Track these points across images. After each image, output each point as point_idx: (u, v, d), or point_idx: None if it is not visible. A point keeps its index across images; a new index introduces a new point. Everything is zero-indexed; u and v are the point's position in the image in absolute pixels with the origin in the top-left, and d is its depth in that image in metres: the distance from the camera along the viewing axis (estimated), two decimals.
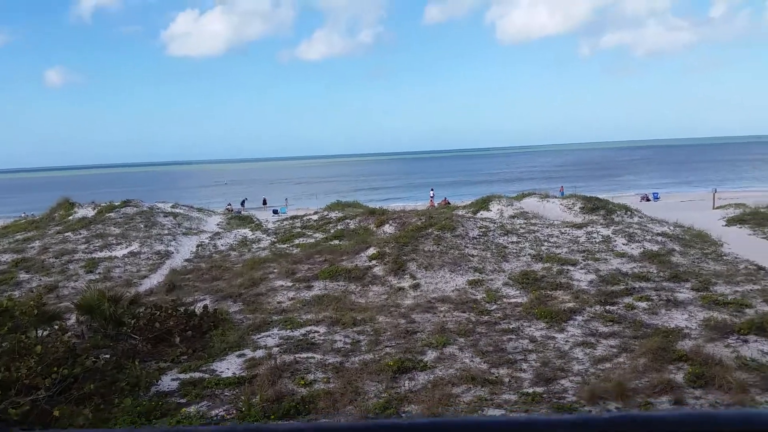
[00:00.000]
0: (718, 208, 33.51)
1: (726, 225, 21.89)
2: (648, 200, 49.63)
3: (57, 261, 18.78)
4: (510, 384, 8.53)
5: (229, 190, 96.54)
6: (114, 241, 20.80)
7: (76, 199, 27.08)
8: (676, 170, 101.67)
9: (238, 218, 28.18)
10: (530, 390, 8.23)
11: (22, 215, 35.82)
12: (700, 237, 18.93)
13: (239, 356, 10.12)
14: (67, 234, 21.90)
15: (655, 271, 14.44)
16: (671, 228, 19.78)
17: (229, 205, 52.15)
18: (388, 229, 20.39)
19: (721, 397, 7.75)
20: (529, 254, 16.11)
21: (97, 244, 20.48)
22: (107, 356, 9.51)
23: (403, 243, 16.50)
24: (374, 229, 21.20)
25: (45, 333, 9.76)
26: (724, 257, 16.13)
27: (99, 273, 17.54)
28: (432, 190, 59.75)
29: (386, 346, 10.28)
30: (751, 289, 12.76)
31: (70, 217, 24.44)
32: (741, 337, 9.86)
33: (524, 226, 19.51)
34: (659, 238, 17.81)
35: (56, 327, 10.25)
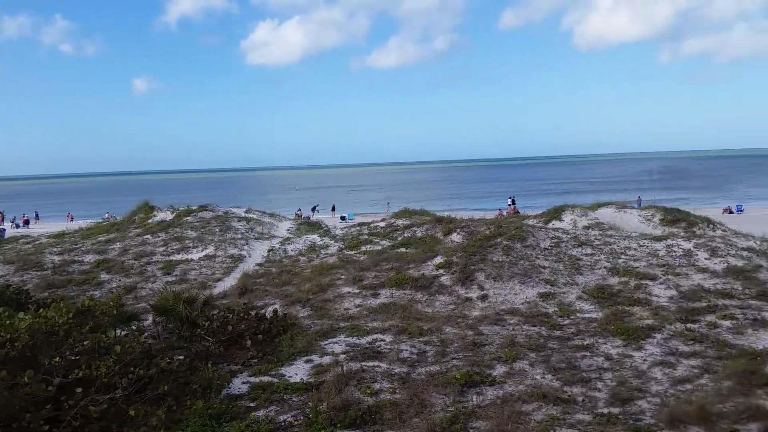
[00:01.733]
0: None
1: None
2: (731, 213, 47.10)
3: (136, 262, 19.66)
4: (584, 403, 8.17)
5: (300, 196, 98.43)
6: (191, 244, 21.59)
7: (155, 203, 28.29)
8: (763, 181, 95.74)
9: (307, 224, 28.65)
10: (605, 410, 7.85)
11: (106, 216, 37.91)
12: None
13: (307, 362, 10.21)
14: (146, 236, 22.91)
15: (740, 288, 13.56)
16: (758, 243, 18.54)
17: (299, 210, 53.19)
18: (456, 237, 20.16)
19: None
20: (604, 267, 15.50)
21: (175, 247, 21.31)
22: (181, 357, 9.80)
23: (471, 252, 16.24)
24: (442, 237, 21.02)
25: (123, 333, 10.19)
26: None
27: (176, 275, 18.23)
28: (511, 198, 56.91)
29: (453, 358, 10.10)
30: None
31: (150, 220, 25.57)
32: None
33: (599, 237, 18.80)
34: (744, 253, 16.71)
35: (134, 327, 10.69)
